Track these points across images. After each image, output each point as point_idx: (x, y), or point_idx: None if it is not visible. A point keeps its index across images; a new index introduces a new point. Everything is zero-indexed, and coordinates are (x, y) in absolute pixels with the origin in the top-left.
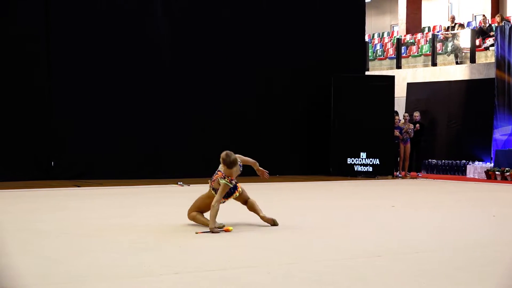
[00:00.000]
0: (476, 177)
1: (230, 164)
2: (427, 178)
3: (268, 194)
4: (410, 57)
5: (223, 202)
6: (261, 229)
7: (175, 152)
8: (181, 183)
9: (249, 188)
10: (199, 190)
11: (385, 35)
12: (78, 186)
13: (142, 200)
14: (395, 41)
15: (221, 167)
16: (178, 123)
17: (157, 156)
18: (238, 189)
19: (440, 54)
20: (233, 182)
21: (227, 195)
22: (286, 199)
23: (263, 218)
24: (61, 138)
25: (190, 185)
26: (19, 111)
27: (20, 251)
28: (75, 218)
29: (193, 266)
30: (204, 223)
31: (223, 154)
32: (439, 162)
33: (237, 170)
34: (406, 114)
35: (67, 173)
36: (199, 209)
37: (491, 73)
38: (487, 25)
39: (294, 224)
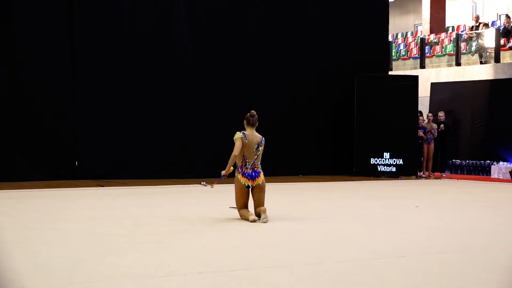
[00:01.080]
0: (501, 177)
1: (248, 118)
2: (451, 178)
3: (291, 194)
4: (434, 56)
5: (248, 186)
6: (284, 228)
7: (200, 153)
8: (204, 183)
9: (272, 188)
10: (223, 190)
11: (409, 34)
12: (102, 186)
13: (165, 200)
14: (419, 40)
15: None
16: (203, 124)
17: (182, 156)
18: (260, 177)
19: (464, 53)
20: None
21: (251, 178)
22: (309, 199)
23: (256, 210)
24: (85, 138)
25: (214, 185)
26: (44, 111)
27: (46, 250)
28: (99, 217)
29: (217, 266)
30: (245, 218)
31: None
32: (463, 162)
33: (251, 132)
34: (430, 114)
35: (91, 173)
36: (245, 204)
37: None
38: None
39: (317, 224)
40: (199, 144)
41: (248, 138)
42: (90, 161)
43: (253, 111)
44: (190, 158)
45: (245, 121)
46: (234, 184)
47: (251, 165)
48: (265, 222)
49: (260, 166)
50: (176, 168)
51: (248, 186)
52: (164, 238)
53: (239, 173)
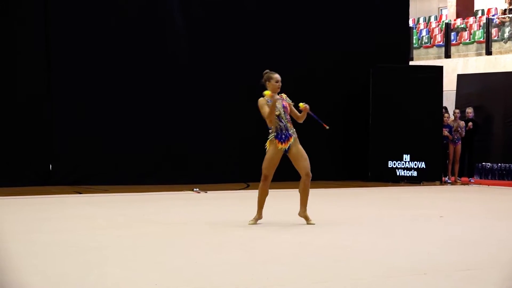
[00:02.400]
0: None
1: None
2: (480, 184)
3: (298, 202)
4: (460, 44)
5: (284, 149)
6: (290, 241)
7: (190, 158)
8: (197, 189)
9: (278, 195)
10: (217, 197)
11: (432, 19)
12: (80, 193)
13: (154, 208)
14: (444, 26)
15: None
16: (196, 123)
17: (170, 160)
18: (291, 140)
19: (495, 41)
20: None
21: (283, 139)
22: (317, 208)
23: (301, 214)
24: (61, 139)
25: (208, 191)
26: (15, 107)
27: (24, 266)
28: (79, 228)
29: (211, 284)
30: (260, 205)
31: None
32: (495, 165)
33: (273, 87)
34: (457, 111)
35: (67, 179)
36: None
37: None
38: None
39: (329, 236)
40: (189, 148)
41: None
42: (66, 164)
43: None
44: (178, 163)
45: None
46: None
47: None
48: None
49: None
50: (166, 174)
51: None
52: (152, 252)
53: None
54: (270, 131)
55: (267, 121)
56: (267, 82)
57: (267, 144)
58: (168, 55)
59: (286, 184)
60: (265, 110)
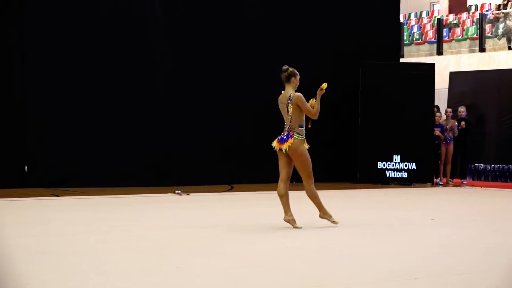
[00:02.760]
0: None
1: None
2: (473, 186)
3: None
4: (453, 41)
5: (276, 148)
6: (279, 245)
7: (172, 157)
8: (179, 191)
9: (263, 198)
10: (200, 199)
11: (424, 15)
12: (57, 196)
13: (134, 212)
14: (436, 22)
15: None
16: (178, 123)
17: (152, 161)
18: (284, 145)
19: (489, 37)
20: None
21: (281, 141)
22: (303, 211)
23: (324, 215)
24: (36, 139)
25: (190, 194)
26: None
27: None
28: (55, 233)
29: None
30: (284, 206)
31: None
32: (488, 167)
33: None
34: (449, 110)
35: (44, 180)
36: (281, 172)
37: None
38: None
39: (317, 241)
40: (171, 149)
41: (279, 99)
42: (42, 165)
43: (284, 66)
44: (160, 165)
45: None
46: None
47: (288, 128)
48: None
49: (296, 130)
50: (144, 176)
51: (280, 150)
52: (132, 258)
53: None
54: (300, 129)
55: (314, 117)
56: (292, 78)
57: (299, 143)
58: (149, 53)
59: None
60: (309, 107)
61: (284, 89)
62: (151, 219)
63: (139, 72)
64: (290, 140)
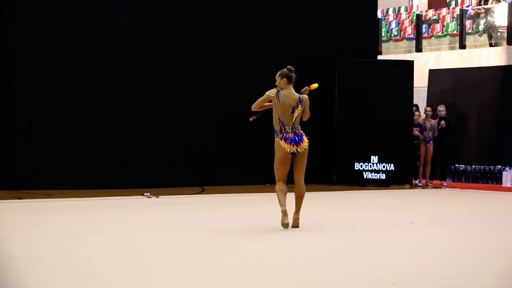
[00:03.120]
0: None
1: (286, 74)
2: (453, 187)
3: (257, 207)
4: (432, 37)
5: (293, 152)
6: (252, 249)
7: (141, 158)
8: (148, 194)
9: (233, 200)
10: (171, 202)
11: (402, 10)
12: (20, 198)
13: (101, 215)
14: (415, 17)
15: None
16: (148, 123)
17: (119, 163)
18: (305, 141)
19: (470, 34)
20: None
21: (294, 143)
22: (275, 213)
23: (295, 220)
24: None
25: (159, 196)
26: None
27: None
28: (16, 239)
29: None
30: (280, 203)
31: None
32: (469, 167)
33: (288, 91)
34: (429, 108)
35: (6, 182)
36: (284, 175)
37: None
38: None
39: (291, 245)
40: (140, 150)
41: (281, 99)
42: (4, 166)
43: (290, 66)
44: (128, 166)
45: (284, 79)
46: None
47: (291, 129)
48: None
49: (300, 128)
50: (112, 177)
51: (293, 153)
52: (98, 264)
53: (280, 138)
54: (276, 131)
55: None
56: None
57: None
58: (118, 53)
59: (240, 188)
60: (258, 100)
61: (284, 89)
62: (120, 223)
63: (103, 71)
64: (306, 140)
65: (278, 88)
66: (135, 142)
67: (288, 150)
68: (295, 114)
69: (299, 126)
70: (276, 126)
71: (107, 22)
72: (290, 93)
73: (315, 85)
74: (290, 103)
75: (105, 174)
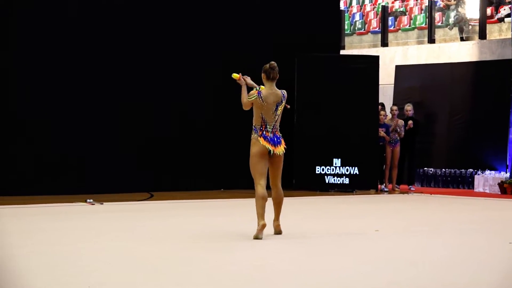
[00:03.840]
0: (487, 191)
1: (267, 71)
2: (422, 193)
3: (207, 215)
4: (399, 31)
5: (270, 151)
6: (203, 260)
7: (84, 161)
8: (91, 200)
9: (182, 207)
10: (116, 209)
11: (367, 1)
12: None
13: (38, 223)
14: (380, 9)
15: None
16: (91, 125)
17: (60, 166)
18: (282, 145)
19: (439, 27)
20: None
21: (273, 143)
22: (227, 221)
23: (276, 226)
24: None
25: (104, 203)
26: None
27: None
28: None
29: None
30: (258, 215)
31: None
32: (439, 171)
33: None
34: (395, 108)
35: None
36: (263, 173)
37: (507, 53)
38: None
39: (244, 254)
40: (83, 152)
41: (264, 98)
42: None
43: (273, 62)
44: (66, 171)
45: (263, 75)
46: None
47: (272, 129)
48: (257, 239)
49: (279, 130)
50: (51, 182)
51: (270, 152)
52: (41, 274)
53: (260, 136)
54: (255, 128)
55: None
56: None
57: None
58: (61, 53)
59: (191, 194)
60: (243, 100)
61: (267, 86)
62: (57, 232)
63: (52, 74)
64: (283, 144)
65: (257, 88)
66: (77, 145)
67: (266, 147)
68: (279, 112)
69: (279, 128)
70: (257, 123)
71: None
72: (272, 90)
73: (235, 75)
74: (274, 100)
75: (44, 178)
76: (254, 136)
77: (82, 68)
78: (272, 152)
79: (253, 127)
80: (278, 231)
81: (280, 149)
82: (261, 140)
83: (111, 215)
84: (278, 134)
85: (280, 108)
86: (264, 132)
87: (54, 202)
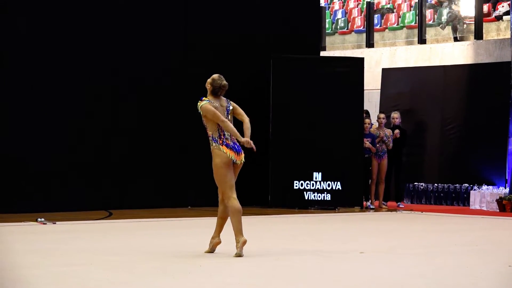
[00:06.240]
0: (484, 208)
1: (214, 85)
2: (412, 210)
3: (171, 234)
4: (386, 30)
5: (234, 161)
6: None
7: (34, 176)
8: (42, 219)
9: (148, 226)
10: (70, 229)
11: None
12: None
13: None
14: (365, 6)
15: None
16: (38, 135)
17: (7, 181)
18: (242, 155)
19: (431, 26)
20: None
21: (235, 151)
22: (197, 242)
23: (216, 244)
24: None
25: (56, 222)
26: None
27: None
28: None
29: None
30: (238, 231)
31: (214, 75)
32: (430, 186)
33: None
34: (382, 115)
35: None
36: (232, 183)
37: (506, 54)
38: None
39: (214, 281)
40: (33, 166)
41: (216, 105)
42: None
43: (219, 75)
44: (14, 186)
45: (209, 87)
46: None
47: (230, 136)
48: (239, 256)
49: None
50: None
51: (234, 162)
52: None
53: (222, 144)
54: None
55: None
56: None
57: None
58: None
59: (155, 212)
60: (216, 115)
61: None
62: (5, 255)
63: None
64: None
65: (205, 99)
66: (28, 157)
67: (230, 157)
68: (229, 117)
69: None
70: (215, 133)
71: None
72: (220, 101)
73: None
74: (224, 104)
75: None
76: (214, 145)
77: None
78: (235, 162)
79: (211, 137)
80: (214, 250)
81: (241, 157)
82: (224, 148)
83: (64, 236)
84: (236, 140)
85: (231, 114)
86: (224, 140)
87: (3, 221)
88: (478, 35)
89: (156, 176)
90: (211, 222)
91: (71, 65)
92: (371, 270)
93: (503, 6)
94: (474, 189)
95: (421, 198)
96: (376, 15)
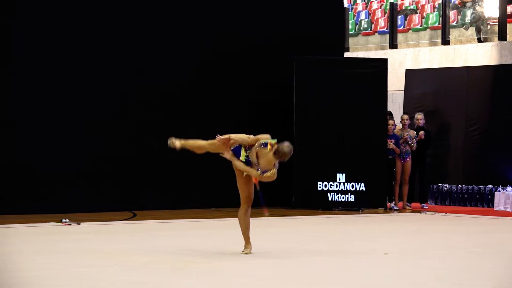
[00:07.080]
0: (509, 210)
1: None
2: (436, 211)
3: (195, 235)
4: (410, 31)
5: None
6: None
7: (58, 177)
8: (66, 220)
9: (169, 228)
10: (94, 230)
11: None
12: None
13: (9, 246)
14: (388, 7)
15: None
16: (63, 138)
17: (31, 183)
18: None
19: (454, 27)
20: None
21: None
22: (218, 243)
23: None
24: None
25: (80, 223)
26: None
27: None
28: None
29: None
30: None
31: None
32: (454, 187)
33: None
34: (405, 117)
35: None
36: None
37: None
38: None
39: (237, 284)
40: (57, 168)
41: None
42: None
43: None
44: (42, 187)
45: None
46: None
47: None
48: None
49: None
50: (23, 201)
51: None
52: None
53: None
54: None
55: None
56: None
57: None
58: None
59: (180, 213)
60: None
61: None
62: (30, 256)
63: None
64: None
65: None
66: (51, 160)
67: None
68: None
69: None
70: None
71: None
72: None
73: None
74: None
75: (13, 196)
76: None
77: (55, 81)
78: None
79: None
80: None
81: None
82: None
83: (88, 236)
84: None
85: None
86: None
87: (28, 222)
88: (502, 36)
89: (180, 177)
90: (234, 222)
91: (85, 67)
92: (396, 271)
93: None
94: (499, 191)
95: (445, 199)
96: (399, 16)
